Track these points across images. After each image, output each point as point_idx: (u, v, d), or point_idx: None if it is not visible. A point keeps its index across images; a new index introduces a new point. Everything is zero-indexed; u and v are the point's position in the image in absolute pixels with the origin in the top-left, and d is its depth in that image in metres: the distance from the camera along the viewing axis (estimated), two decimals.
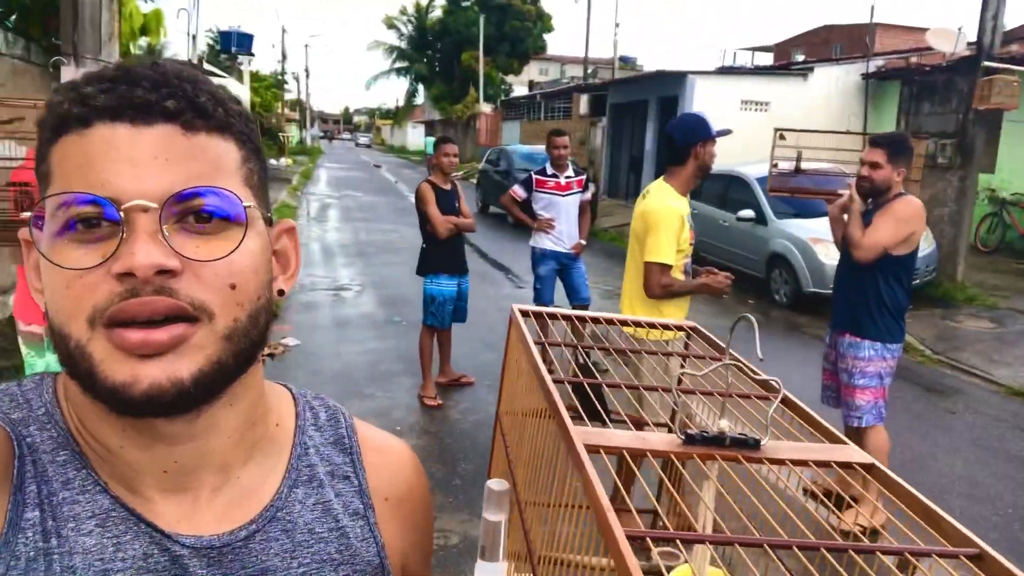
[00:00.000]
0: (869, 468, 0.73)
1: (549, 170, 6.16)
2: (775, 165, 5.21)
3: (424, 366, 5.52)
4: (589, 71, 29.17)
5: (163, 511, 0.62)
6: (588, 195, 6.28)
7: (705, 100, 14.19)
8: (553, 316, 1.22)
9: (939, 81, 11.06)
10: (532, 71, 45.83)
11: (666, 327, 1.21)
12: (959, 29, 10.54)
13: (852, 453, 0.75)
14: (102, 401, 0.57)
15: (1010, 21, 9.05)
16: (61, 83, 0.58)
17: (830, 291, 7.34)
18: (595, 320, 1.21)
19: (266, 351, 0.64)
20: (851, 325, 3.76)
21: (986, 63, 8.78)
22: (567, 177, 6.13)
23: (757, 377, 0.97)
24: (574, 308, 6.24)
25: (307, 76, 59.08)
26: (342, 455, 0.74)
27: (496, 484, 0.81)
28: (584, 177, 6.30)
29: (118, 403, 0.56)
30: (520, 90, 38.07)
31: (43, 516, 0.59)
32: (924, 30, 11.12)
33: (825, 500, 0.71)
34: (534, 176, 6.21)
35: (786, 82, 15.14)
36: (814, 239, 8.12)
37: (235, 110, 0.62)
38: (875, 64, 14.82)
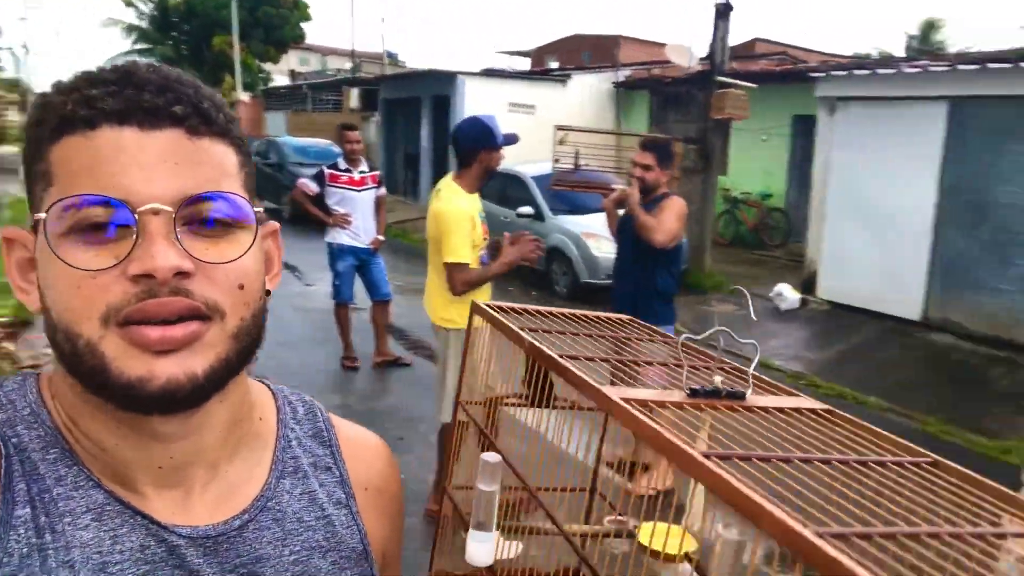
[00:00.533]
0: (829, 412, 0.92)
1: (342, 165, 6.10)
2: (557, 161, 5.62)
3: None
4: (355, 64, 28.77)
5: (157, 505, 0.64)
6: (383, 191, 6.30)
7: (475, 101, 14.65)
8: (516, 311, 1.31)
9: (681, 92, 12.42)
10: (292, 60, 44.15)
11: (608, 320, 1.35)
12: (690, 47, 11.91)
13: (811, 403, 0.94)
14: (113, 398, 0.59)
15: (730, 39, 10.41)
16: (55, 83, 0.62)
17: (603, 281, 8.07)
18: (551, 314, 1.32)
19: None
20: (631, 311, 4.20)
21: (719, 78, 10.04)
22: (361, 172, 6.12)
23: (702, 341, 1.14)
24: (375, 304, 6.24)
25: (26, 53, 51.98)
26: (322, 447, 0.77)
27: (490, 457, 0.88)
28: (378, 173, 6.31)
29: (132, 399, 0.58)
30: (280, 80, 36.52)
31: (35, 513, 0.59)
32: (663, 45, 12.40)
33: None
34: (326, 171, 6.11)
35: (548, 87, 16.08)
36: (587, 234, 8.80)
37: (231, 115, 0.65)
38: (624, 74, 16.24)
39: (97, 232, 0.57)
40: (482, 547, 0.88)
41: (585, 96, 15.98)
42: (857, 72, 8.54)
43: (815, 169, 9.23)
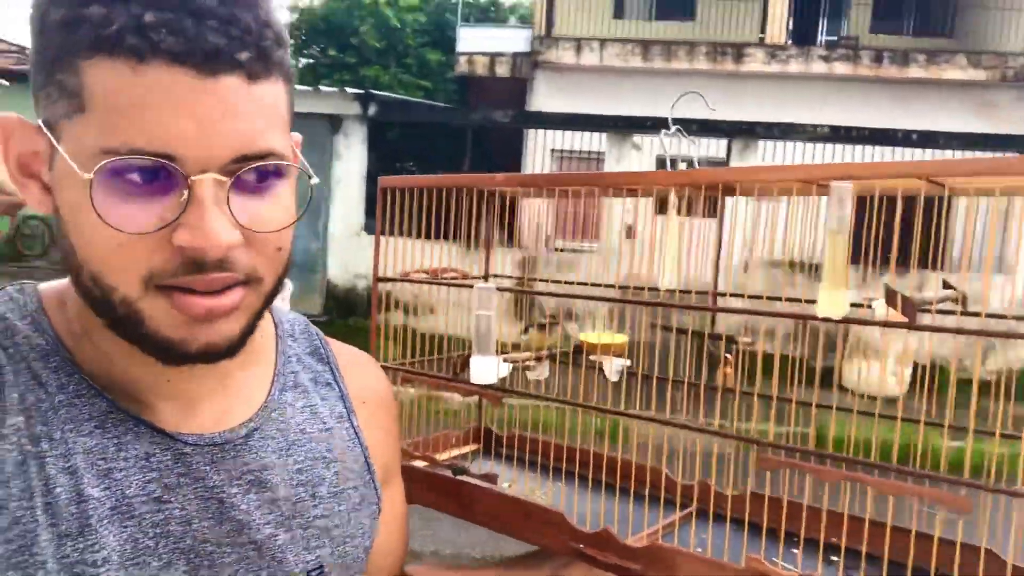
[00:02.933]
0: None
1: None
2: None
3: None
4: None
5: (162, 414, 0.63)
6: None
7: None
8: None
9: None
10: None
11: None
12: None
13: None
14: (146, 350, 0.58)
15: None
16: None
17: None
18: None
19: None
20: None
21: None
22: None
23: None
24: None
25: None
26: (320, 364, 0.77)
27: (484, 284, 0.96)
28: None
29: (169, 357, 0.57)
30: None
31: (29, 422, 0.57)
32: None
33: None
34: None
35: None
36: None
37: (287, 40, 0.59)
38: None
39: (139, 184, 0.52)
40: (485, 367, 0.95)
41: None
42: None
43: None
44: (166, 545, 0.60)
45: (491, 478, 1.03)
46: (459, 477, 1.03)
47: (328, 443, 0.72)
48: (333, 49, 11.13)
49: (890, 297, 0.75)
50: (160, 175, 0.52)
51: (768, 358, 1.01)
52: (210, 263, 0.54)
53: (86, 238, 0.54)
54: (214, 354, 0.58)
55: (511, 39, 11.44)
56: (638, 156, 8.86)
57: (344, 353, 0.81)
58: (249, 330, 0.60)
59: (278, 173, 0.58)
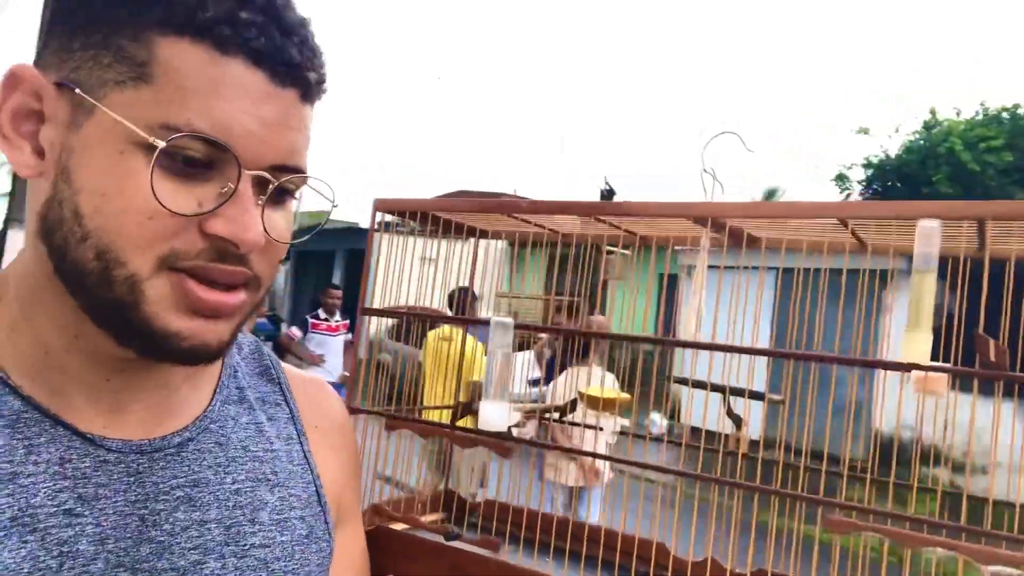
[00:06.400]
0: None
1: (322, 315, 7.74)
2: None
3: None
4: None
5: (86, 415, 0.57)
6: (351, 335, 7.90)
7: (388, 254, 16.27)
8: None
9: (567, 252, 14.59)
10: None
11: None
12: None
13: None
14: (128, 340, 0.54)
15: None
16: None
17: None
18: None
19: None
20: None
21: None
22: (336, 320, 7.77)
23: None
24: None
25: None
26: (270, 384, 0.72)
27: (499, 318, 0.85)
28: (348, 321, 7.95)
29: (157, 348, 0.54)
30: None
31: None
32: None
33: None
34: (309, 319, 7.74)
35: (453, 241, 17.96)
36: None
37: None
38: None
39: (183, 164, 0.51)
40: (497, 412, 0.87)
41: (482, 250, 17.87)
42: (712, 248, 11.00)
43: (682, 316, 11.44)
44: (72, 567, 0.52)
45: (491, 544, 0.92)
46: (451, 543, 0.94)
47: (273, 465, 0.66)
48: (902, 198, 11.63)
49: (981, 344, 0.73)
50: (210, 163, 0.52)
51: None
52: (237, 257, 0.54)
53: (112, 207, 0.50)
54: (202, 355, 0.55)
55: None
56: None
57: (298, 375, 0.76)
58: (233, 337, 0.58)
59: (292, 192, 0.59)
